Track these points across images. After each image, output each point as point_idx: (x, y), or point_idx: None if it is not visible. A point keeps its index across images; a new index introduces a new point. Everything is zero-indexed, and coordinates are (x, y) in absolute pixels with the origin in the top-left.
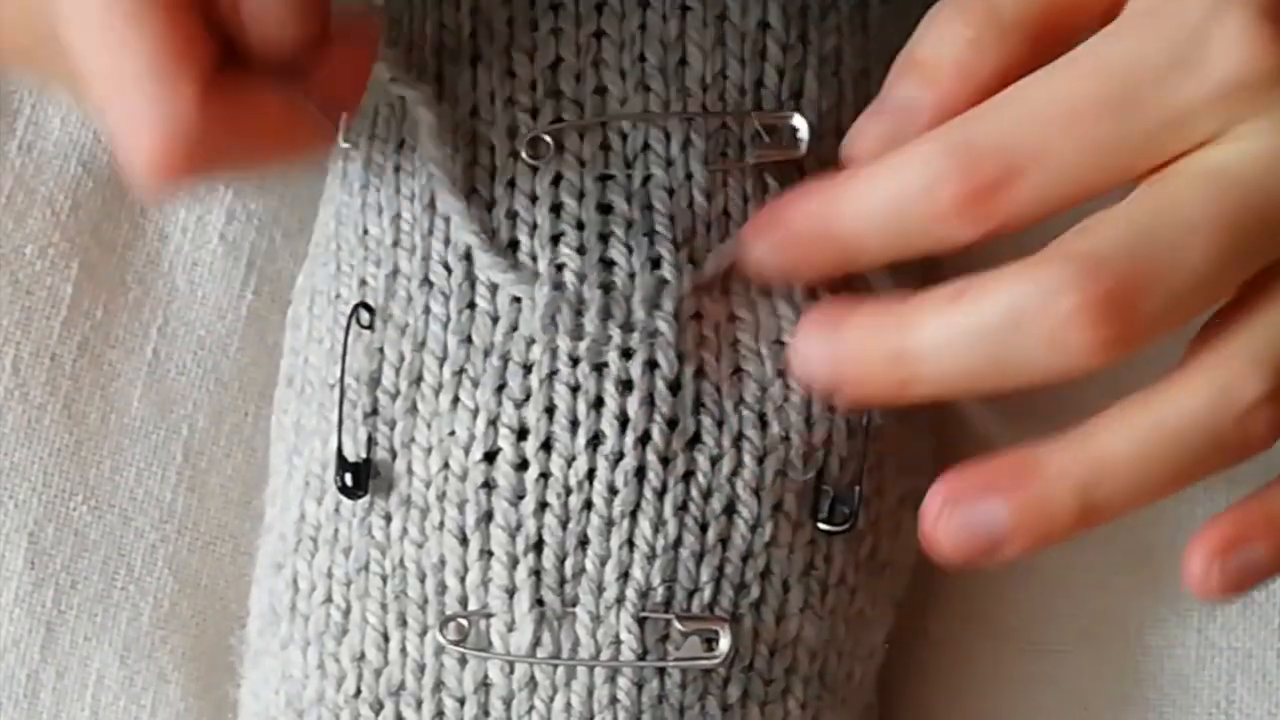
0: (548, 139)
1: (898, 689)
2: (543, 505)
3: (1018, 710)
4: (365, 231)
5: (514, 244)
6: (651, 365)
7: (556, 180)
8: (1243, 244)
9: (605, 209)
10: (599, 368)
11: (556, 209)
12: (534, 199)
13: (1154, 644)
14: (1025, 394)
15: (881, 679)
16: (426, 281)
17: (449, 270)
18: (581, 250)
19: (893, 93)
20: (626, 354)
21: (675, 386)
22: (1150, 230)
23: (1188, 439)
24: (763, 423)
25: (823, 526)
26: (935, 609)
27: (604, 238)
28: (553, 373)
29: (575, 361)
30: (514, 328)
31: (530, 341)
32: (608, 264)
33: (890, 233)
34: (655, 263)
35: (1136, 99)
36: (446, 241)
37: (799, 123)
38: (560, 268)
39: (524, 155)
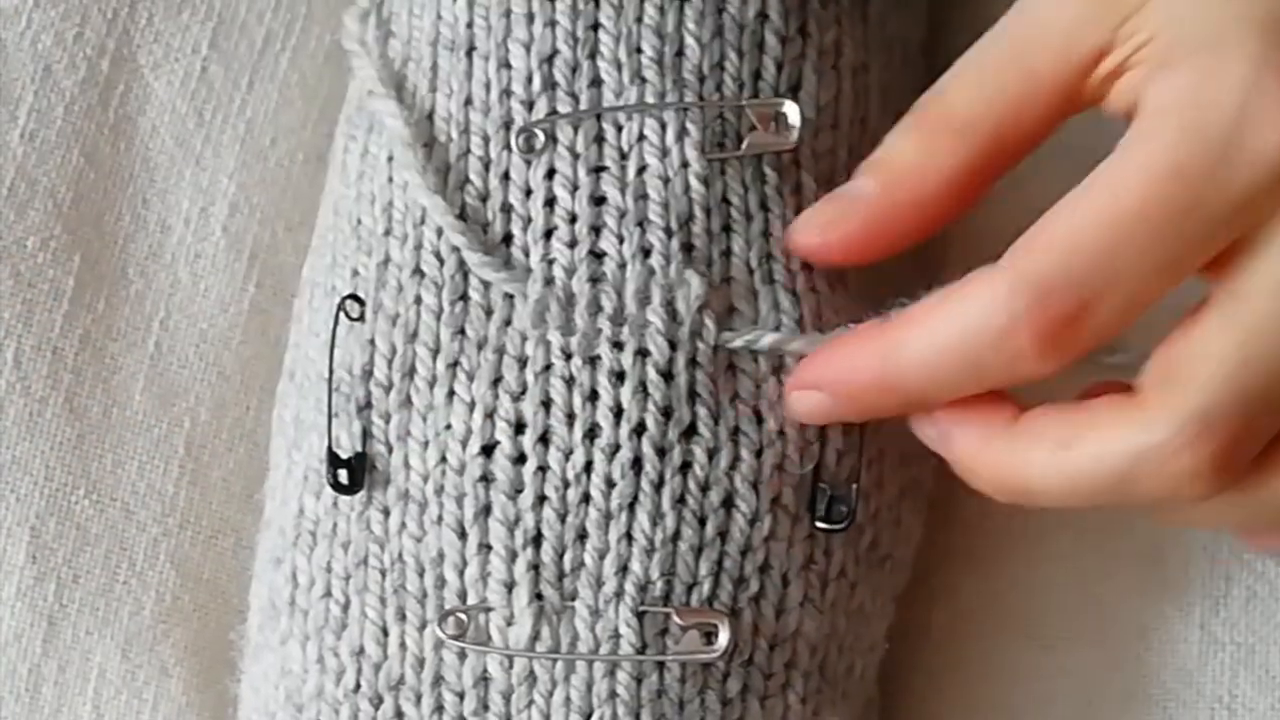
0: (540, 132)
1: (900, 683)
2: (541, 499)
3: (1021, 705)
4: (358, 222)
5: (508, 238)
6: (642, 354)
7: (550, 174)
8: None
9: (598, 201)
10: (592, 360)
11: (550, 203)
12: (528, 192)
13: (1157, 639)
14: None
15: (883, 673)
16: (418, 271)
17: (441, 261)
18: (573, 244)
19: (845, 185)
20: (618, 345)
21: (668, 375)
22: (1246, 377)
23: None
24: (758, 417)
25: (821, 526)
26: (937, 603)
27: (596, 230)
28: (547, 366)
29: (568, 355)
30: (507, 322)
31: (524, 336)
32: (598, 256)
33: (961, 375)
34: (646, 252)
35: (1197, 199)
36: (439, 232)
37: (791, 110)
38: (551, 263)
39: (517, 148)
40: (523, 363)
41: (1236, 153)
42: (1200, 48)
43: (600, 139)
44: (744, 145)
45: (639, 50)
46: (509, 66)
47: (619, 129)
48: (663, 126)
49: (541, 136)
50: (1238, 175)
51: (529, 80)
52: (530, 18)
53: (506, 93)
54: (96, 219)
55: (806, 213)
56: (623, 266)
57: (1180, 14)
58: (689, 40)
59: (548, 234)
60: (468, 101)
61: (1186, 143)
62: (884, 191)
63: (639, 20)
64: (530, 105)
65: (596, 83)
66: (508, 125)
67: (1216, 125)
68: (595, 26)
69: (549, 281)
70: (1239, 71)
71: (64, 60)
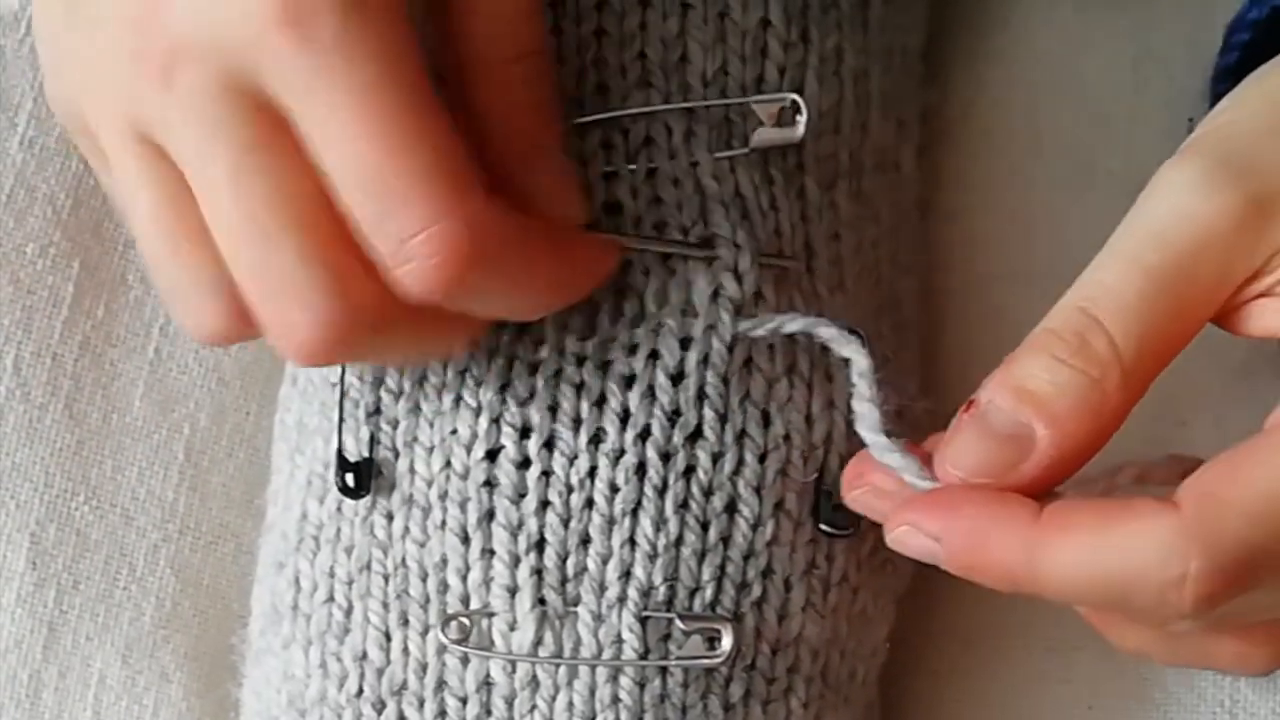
0: None
1: (902, 687)
2: (544, 504)
3: (1022, 708)
4: None
5: None
6: (654, 355)
7: None
8: None
9: (613, 208)
10: (604, 365)
11: None
12: None
13: None
14: None
15: (885, 677)
16: None
17: None
18: None
19: (997, 415)
20: (632, 350)
21: (678, 376)
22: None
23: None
24: (765, 420)
25: (825, 530)
26: (939, 607)
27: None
28: (558, 372)
29: (581, 361)
30: (521, 328)
31: (539, 342)
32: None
33: (1100, 599)
34: (666, 255)
35: None
36: None
37: (797, 105)
38: None
39: None
40: (533, 368)
41: None
42: None
43: (608, 144)
44: (751, 141)
45: (643, 56)
46: None
47: (625, 133)
48: (669, 129)
49: None
50: None
51: None
52: None
53: None
54: (95, 225)
55: (968, 450)
56: (647, 273)
57: None
58: (692, 46)
59: None
60: None
61: None
62: (1060, 438)
63: (642, 27)
64: None
65: (602, 89)
66: None
67: None
68: (598, 32)
69: None
70: None
71: None
